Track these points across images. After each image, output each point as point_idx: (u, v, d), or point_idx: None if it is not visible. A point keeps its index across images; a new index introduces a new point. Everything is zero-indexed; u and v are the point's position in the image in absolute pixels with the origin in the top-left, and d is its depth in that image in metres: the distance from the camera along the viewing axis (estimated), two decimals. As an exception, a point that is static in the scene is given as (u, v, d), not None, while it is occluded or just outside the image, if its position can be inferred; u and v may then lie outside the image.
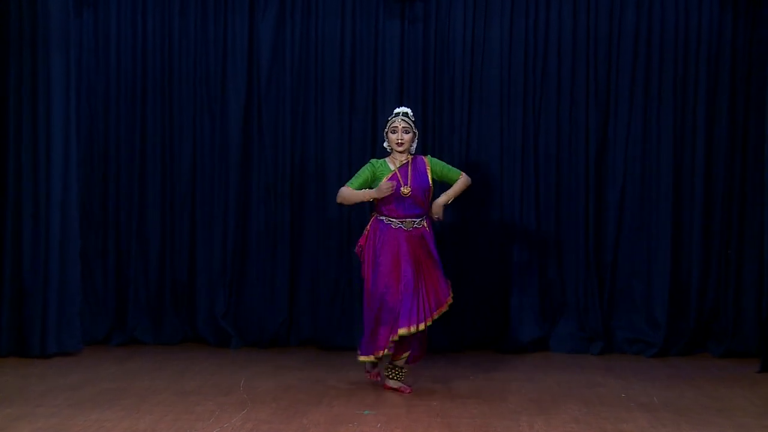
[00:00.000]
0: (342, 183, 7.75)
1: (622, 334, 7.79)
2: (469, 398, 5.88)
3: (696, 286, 7.69)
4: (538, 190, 7.83)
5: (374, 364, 6.18)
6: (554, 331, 7.83)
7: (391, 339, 5.90)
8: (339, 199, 6.13)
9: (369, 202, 6.20)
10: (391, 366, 6.13)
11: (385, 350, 5.95)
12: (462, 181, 6.25)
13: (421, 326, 5.91)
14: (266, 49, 7.89)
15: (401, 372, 6.14)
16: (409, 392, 6.02)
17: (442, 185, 6.34)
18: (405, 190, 6.00)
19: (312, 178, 7.90)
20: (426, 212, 6.14)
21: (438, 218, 6.20)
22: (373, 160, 6.21)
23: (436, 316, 6.03)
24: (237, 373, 6.66)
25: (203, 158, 7.96)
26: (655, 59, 7.73)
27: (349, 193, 6.05)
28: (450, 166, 6.29)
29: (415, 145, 6.18)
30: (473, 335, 7.80)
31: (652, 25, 7.73)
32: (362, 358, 6.09)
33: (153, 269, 7.95)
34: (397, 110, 6.17)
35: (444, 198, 6.19)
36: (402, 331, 5.87)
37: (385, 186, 5.92)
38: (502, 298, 7.82)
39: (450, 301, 6.10)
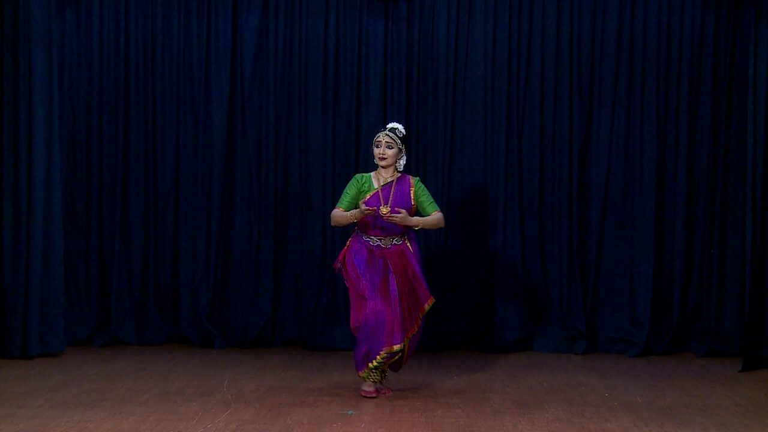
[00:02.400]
0: (326, 184, 7.86)
1: (605, 334, 7.80)
2: (452, 398, 5.89)
3: (679, 286, 7.71)
4: (522, 190, 7.84)
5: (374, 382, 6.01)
6: (538, 331, 7.84)
7: (372, 363, 5.83)
8: (332, 223, 6.08)
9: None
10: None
11: (371, 365, 5.85)
12: (437, 217, 6.04)
13: (396, 347, 5.82)
14: (249, 49, 7.87)
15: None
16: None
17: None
18: (384, 210, 5.88)
19: (296, 178, 7.88)
20: (405, 230, 6.03)
21: (393, 218, 5.86)
22: (358, 175, 6.12)
23: (410, 335, 5.95)
24: (221, 373, 6.65)
25: (186, 159, 7.93)
26: (638, 59, 7.76)
27: (339, 215, 5.98)
28: (431, 200, 6.08)
29: (403, 162, 6.08)
30: (457, 335, 7.80)
31: (635, 26, 7.75)
32: (362, 374, 5.92)
33: (136, 269, 7.92)
34: (387, 125, 6.13)
35: (414, 222, 5.95)
36: (381, 354, 5.80)
37: (363, 210, 5.82)
38: (485, 298, 7.82)
39: (429, 305, 6.03)
